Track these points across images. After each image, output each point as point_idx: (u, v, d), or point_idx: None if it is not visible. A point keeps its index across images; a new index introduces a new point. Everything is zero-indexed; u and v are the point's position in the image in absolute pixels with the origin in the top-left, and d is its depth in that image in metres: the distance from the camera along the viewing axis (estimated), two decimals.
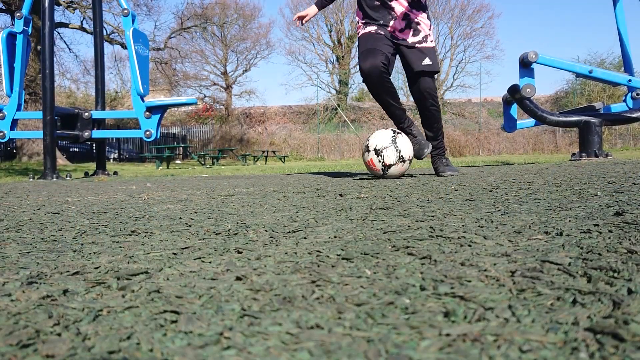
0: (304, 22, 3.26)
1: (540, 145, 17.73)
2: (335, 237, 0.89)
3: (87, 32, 16.44)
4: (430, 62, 3.05)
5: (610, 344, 0.37)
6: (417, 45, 3.06)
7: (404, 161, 2.74)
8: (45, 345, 0.40)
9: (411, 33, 3.07)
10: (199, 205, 1.59)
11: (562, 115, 4.71)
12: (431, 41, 3.11)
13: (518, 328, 0.41)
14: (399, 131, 2.89)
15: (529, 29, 51.97)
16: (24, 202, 1.95)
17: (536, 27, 52.07)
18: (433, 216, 1.11)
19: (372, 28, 3.09)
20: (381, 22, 3.07)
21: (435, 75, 3.19)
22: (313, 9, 3.27)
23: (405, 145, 2.77)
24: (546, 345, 0.37)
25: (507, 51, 46.95)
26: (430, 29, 3.14)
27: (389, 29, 3.07)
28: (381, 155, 2.72)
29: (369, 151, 2.78)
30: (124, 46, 16.30)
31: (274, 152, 17.27)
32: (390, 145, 2.72)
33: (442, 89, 26.92)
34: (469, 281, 0.56)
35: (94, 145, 14.75)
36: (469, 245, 0.76)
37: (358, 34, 3.19)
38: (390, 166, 2.72)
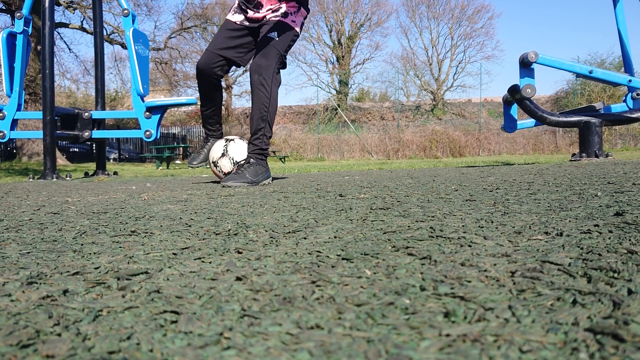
0: None
1: (541, 145, 17.74)
2: (335, 237, 0.89)
3: (87, 32, 16.46)
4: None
5: (611, 345, 0.37)
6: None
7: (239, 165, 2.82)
8: (45, 345, 0.40)
9: None
10: (199, 206, 1.59)
11: (562, 115, 4.71)
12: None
13: (518, 328, 0.41)
14: (232, 138, 2.89)
15: (529, 29, 52.04)
16: (24, 202, 1.95)
17: (536, 27, 52.14)
18: (433, 216, 1.11)
19: None
20: None
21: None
22: None
23: (238, 151, 2.83)
24: (546, 346, 0.37)
25: (507, 51, 47.06)
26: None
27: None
28: (218, 166, 2.85)
29: (210, 164, 2.92)
30: (124, 46, 16.31)
31: (274, 152, 17.27)
32: (223, 155, 2.84)
33: (442, 89, 26.94)
34: (469, 281, 0.56)
35: (94, 145, 14.77)
36: (469, 246, 0.76)
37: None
38: (229, 173, 2.81)
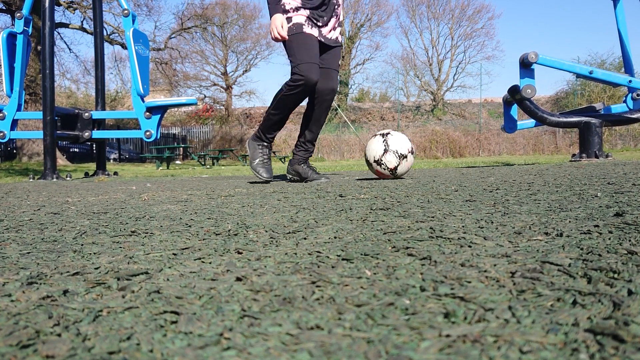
0: (285, 37, 2.77)
1: (541, 146, 17.74)
2: (335, 237, 0.89)
3: (88, 33, 16.46)
4: None
5: (611, 345, 0.37)
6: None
7: (405, 157, 2.73)
8: (45, 345, 0.40)
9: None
10: (199, 206, 1.59)
11: (563, 116, 4.71)
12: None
13: (518, 329, 0.41)
14: (388, 132, 2.83)
15: (529, 30, 52.08)
16: (24, 203, 1.95)
17: (536, 27, 52.19)
18: (433, 217, 1.11)
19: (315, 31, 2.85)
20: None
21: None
22: (281, 18, 2.76)
23: (399, 143, 2.74)
24: (546, 346, 0.37)
25: (507, 52, 47.04)
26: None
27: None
28: (383, 164, 2.73)
29: (371, 164, 2.81)
30: (124, 46, 16.31)
31: (274, 152, 17.27)
32: (386, 151, 2.73)
33: (442, 90, 26.94)
34: (469, 282, 0.56)
35: (94, 145, 14.75)
36: (469, 246, 0.76)
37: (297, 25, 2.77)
38: (396, 168, 2.73)
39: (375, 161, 2.75)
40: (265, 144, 3.00)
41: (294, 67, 2.76)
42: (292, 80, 2.75)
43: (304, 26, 2.78)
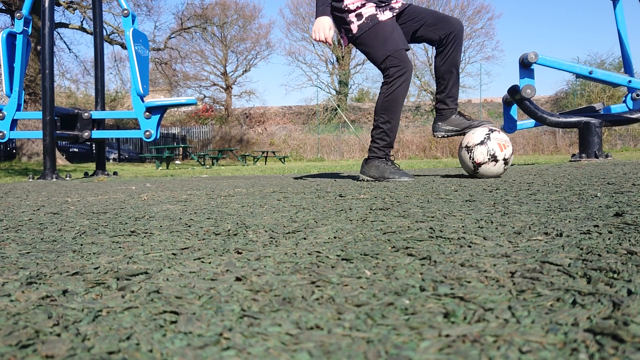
0: (329, 40, 2.68)
1: (540, 146, 17.75)
2: (335, 237, 0.89)
3: (87, 33, 16.46)
4: None
5: (610, 345, 0.37)
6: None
7: (496, 161, 2.58)
8: (44, 345, 0.40)
9: None
10: (199, 206, 1.59)
11: (562, 116, 4.71)
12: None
13: (518, 329, 0.41)
14: (495, 129, 2.67)
15: (529, 30, 52.12)
16: (24, 203, 1.95)
17: (536, 27, 52.24)
18: (433, 217, 1.11)
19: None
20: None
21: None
22: (328, 21, 2.67)
23: (495, 143, 2.57)
24: (546, 346, 0.37)
25: (507, 52, 47.09)
26: None
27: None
28: (472, 153, 2.60)
29: (462, 148, 2.69)
30: (123, 46, 16.31)
31: (273, 152, 17.26)
32: (482, 143, 2.58)
33: None
34: (469, 282, 0.56)
35: (93, 145, 14.75)
36: (469, 246, 0.76)
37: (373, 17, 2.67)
38: (480, 164, 2.60)
39: (466, 147, 2.64)
40: (383, 159, 2.74)
41: (384, 60, 2.63)
42: (390, 76, 2.63)
43: (377, 15, 2.68)
